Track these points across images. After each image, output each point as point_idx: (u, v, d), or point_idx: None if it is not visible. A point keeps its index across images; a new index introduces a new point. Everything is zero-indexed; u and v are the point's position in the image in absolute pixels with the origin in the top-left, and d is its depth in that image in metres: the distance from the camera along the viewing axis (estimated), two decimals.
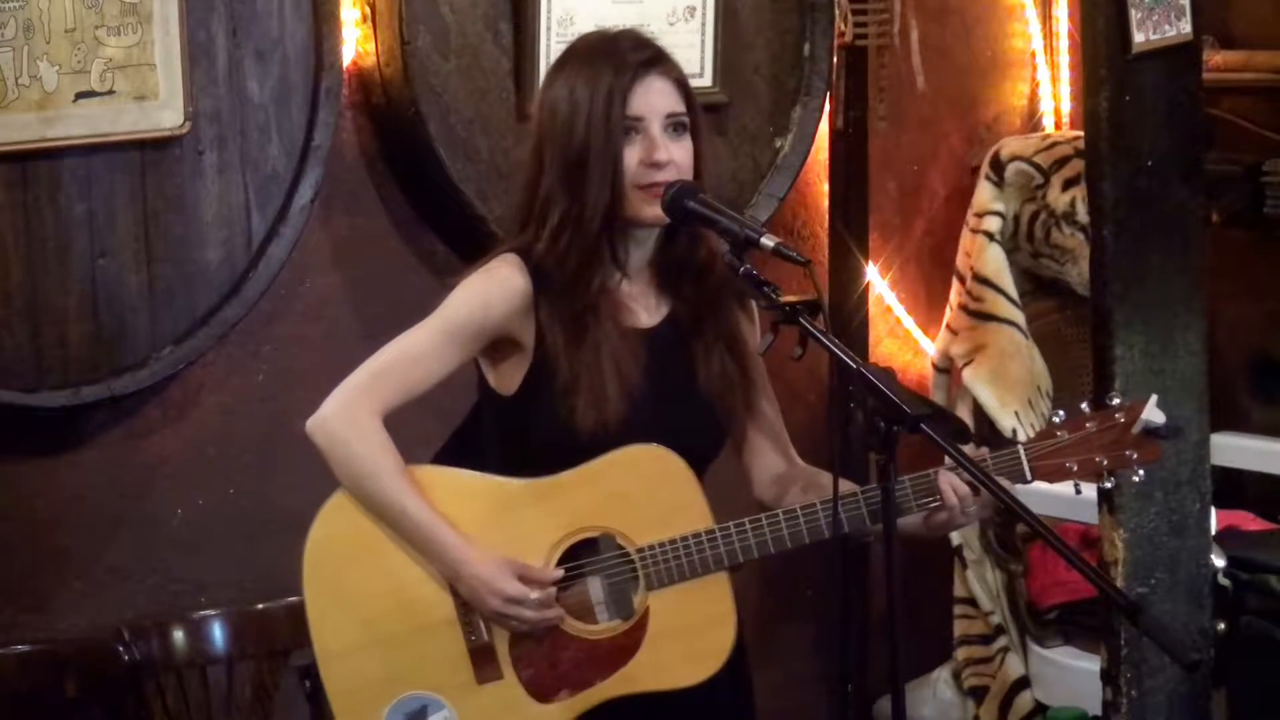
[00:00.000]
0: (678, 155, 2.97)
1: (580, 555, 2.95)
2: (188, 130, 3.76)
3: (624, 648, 2.94)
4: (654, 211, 2.95)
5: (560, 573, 2.93)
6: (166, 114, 3.73)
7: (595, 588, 2.95)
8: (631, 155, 2.95)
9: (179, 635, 3.68)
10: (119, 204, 3.72)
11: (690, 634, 2.94)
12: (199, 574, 3.94)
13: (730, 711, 3.09)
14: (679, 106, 3.00)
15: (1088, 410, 2.99)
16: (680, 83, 3.03)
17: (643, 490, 2.94)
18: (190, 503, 3.95)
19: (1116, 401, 3.00)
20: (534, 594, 2.90)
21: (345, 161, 4.07)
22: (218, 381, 3.96)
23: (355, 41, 4.05)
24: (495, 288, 2.99)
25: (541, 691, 2.94)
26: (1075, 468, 2.96)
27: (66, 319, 3.68)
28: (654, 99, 2.98)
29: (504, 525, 2.94)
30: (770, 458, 3.14)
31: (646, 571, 2.93)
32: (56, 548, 3.81)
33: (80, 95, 3.63)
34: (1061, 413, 2.99)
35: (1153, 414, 2.95)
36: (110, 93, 3.67)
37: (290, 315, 4.03)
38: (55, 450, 3.78)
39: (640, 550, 2.93)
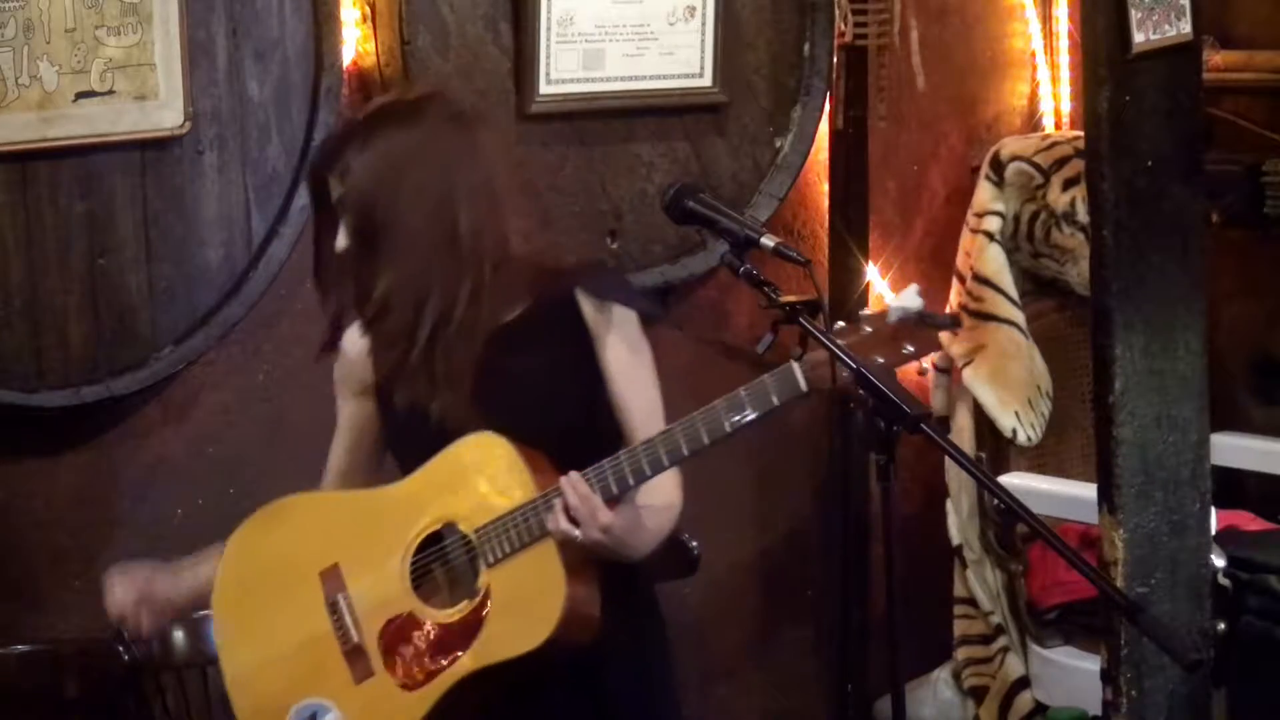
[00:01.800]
0: None
1: (430, 548, 3.08)
2: (188, 130, 3.76)
3: (471, 626, 3.04)
4: None
5: None
6: (166, 114, 3.73)
7: (443, 574, 3.08)
8: None
9: (179, 635, 3.68)
10: (119, 204, 3.72)
11: (525, 601, 3.02)
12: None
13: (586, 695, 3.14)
14: None
15: (865, 314, 2.96)
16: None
17: (474, 476, 3.05)
18: (190, 503, 3.95)
19: (888, 300, 2.95)
20: None
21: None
22: (218, 381, 3.96)
23: (355, 41, 4.05)
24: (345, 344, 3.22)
25: (408, 680, 3.07)
26: (848, 372, 2.89)
27: (66, 319, 3.68)
28: None
29: (364, 534, 3.13)
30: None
31: (484, 550, 3.02)
32: (56, 548, 3.81)
33: (80, 95, 3.64)
34: (842, 324, 2.94)
35: (907, 300, 2.90)
36: (110, 93, 3.67)
37: (290, 315, 4.03)
38: (55, 450, 3.78)
39: (476, 531, 3.03)
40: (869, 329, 2.89)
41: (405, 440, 3.16)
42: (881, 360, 2.86)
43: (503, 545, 3.01)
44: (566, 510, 2.96)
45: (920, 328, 2.90)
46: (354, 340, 3.19)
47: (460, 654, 3.03)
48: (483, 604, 3.03)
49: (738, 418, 2.95)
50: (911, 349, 2.89)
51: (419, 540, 3.08)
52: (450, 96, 3.26)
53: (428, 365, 3.08)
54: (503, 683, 3.04)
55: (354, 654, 3.10)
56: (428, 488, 3.09)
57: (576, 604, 2.99)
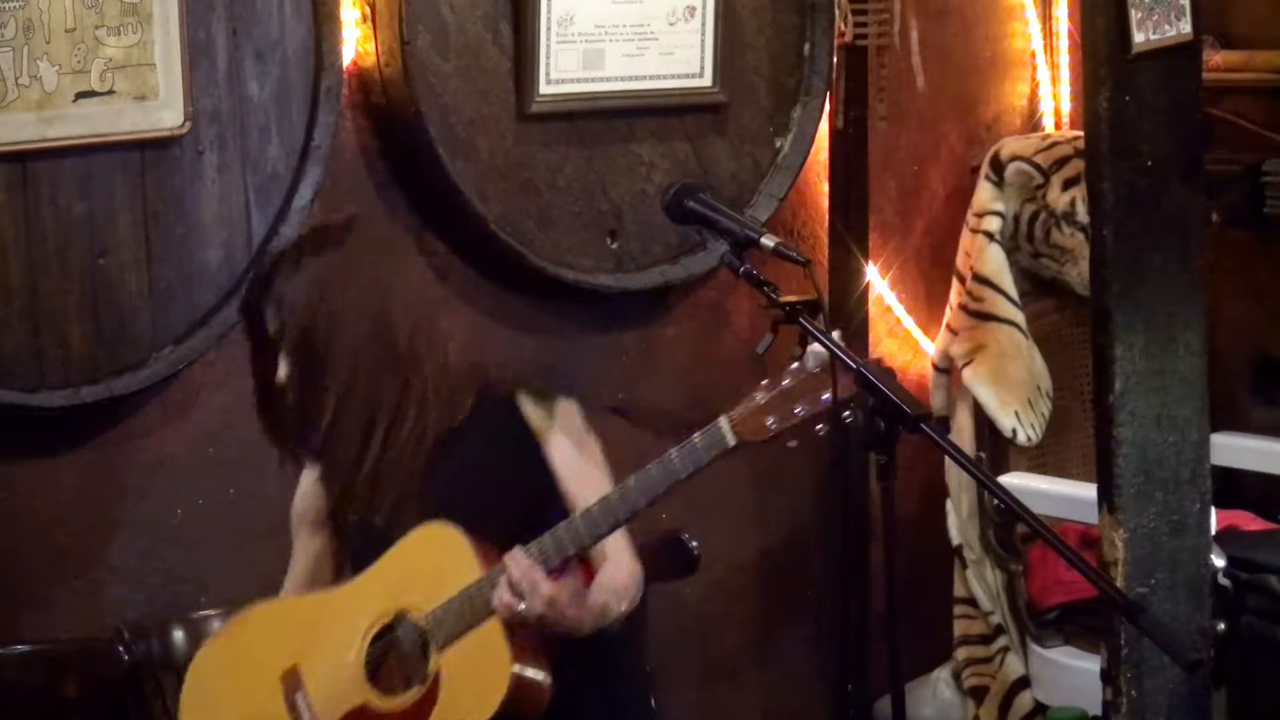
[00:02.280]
0: None
1: (384, 637, 3.16)
2: (188, 130, 3.76)
3: (424, 709, 3.10)
4: None
5: None
6: (166, 114, 3.73)
7: (396, 662, 3.14)
8: None
9: (179, 635, 3.68)
10: (119, 204, 3.72)
11: (472, 680, 3.07)
12: (199, 574, 3.94)
13: None
14: None
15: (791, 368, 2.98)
16: None
17: (424, 565, 3.13)
18: (190, 503, 3.95)
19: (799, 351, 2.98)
20: None
21: (345, 161, 4.07)
22: (218, 381, 3.96)
23: (355, 41, 4.05)
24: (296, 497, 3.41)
25: None
26: (776, 423, 2.94)
27: (66, 319, 3.68)
28: None
29: (324, 633, 3.20)
30: (593, 552, 3.22)
31: (434, 634, 3.09)
32: (56, 548, 3.81)
33: (80, 95, 3.63)
34: (767, 381, 2.99)
35: (812, 353, 2.92)
36: (110, 93, 3.67)
37: None
38: (55, 450, 3.78)
39: (426, 616, 3.10)
40: (788, 381, 2.93)
41: (362, 553, 3.23)
42: (803, 409, 2.91)
43: (451, 627, 3.07)
44: (510, 585, 3.01)
45: (845, 373, 2.90)
46: (307, 473, 3.32)
47: None
48: (434, 687, 3.08)
49: (670, 481, 3.00)
50: (831, 396, 2.91)
51: (374, 632, 3.15)
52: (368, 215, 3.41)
53: (376, 480, 3.17)
54: None
55: None
56: (381, 581, 3.16)
57: (523, 680, 3.04)
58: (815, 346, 2.90)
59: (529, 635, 3.06)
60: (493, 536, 3.11)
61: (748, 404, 2.95)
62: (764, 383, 2.95)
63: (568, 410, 3.24)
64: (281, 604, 3.36)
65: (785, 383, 2.93)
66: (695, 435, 2.98)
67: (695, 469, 2.98)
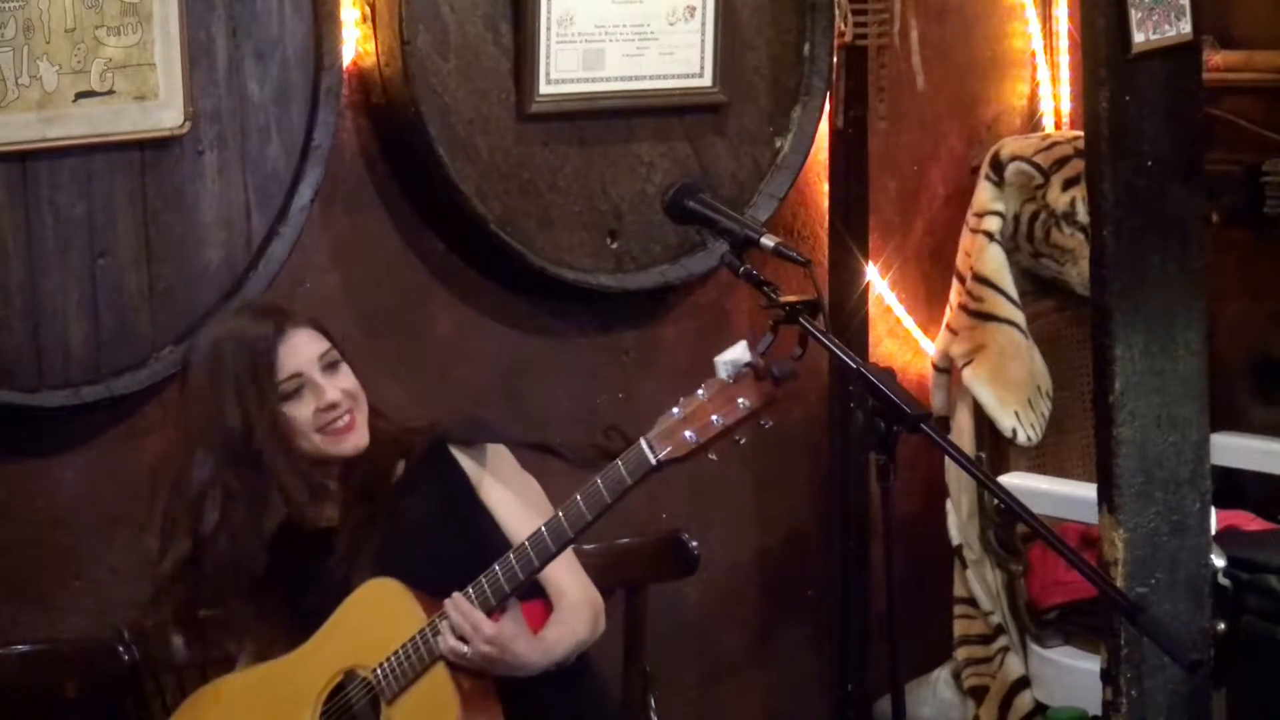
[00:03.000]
0: (347, 387, 3.19)
1: (337, 697, 3.17)
2: (188, 130, 3.76)
3: None
4: (347, 445, 3.19)
5: None
6: (166, 114, 3.73)
7: None
8: (305, 408, 3.16)
9: (179, 636, 3.67)
10: (119, 204, 3.72)
11: None
12: None
13: None
14: (325, 344, 3.21)
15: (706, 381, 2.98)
16: (314, 322, 3.24)
17: (368, 621, 3.15)
18: None
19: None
20: None
21: (345, 161, 4.07)
22: None
23: (355, 41, 4.05)
24: None
25: None
26: (695, 436, 2.93)
27: (66, 319, 3.68)
28: (302, 352, 3.17)
29: (275, 703, 3.21)
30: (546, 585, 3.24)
31: (382, 688, 3.11)
32: (56, 548, 3.81)
33: (80, 95, 3.63)
34: (683, 398, 2.98)
35: (736, 355, 2.90)
36: (110, 93, 3.67)
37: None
38: (55, 450, 3.78)
39: (374, 671, 3.12)
40: (703, 393, 2.92)
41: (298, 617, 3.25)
42: (719, 419, 2.89)
43: (398, 679, 3.09)
44: (453, 628, 3.03)
45: (759, 380, 2.90)
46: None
47: None
48: None
49: (598, 507, 3.01)
50: (747, 403, 2.90)
51: (324, 695, 3.16)
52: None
53: (326, 558, 3.20)
54: None
55: None
56: (328, 643, 3.18)
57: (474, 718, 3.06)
58: (726, 356, 2.91)
59: (476, 679, 3.08)
60: (446, 588, 3.11)
61: (665, 421, 2.95)
62: (681, 399, 2.96)
63: (497, 454, 3.29)
64: (237, 678, 3.35)
65: (700, 395, 2.93)
66: (618, 459, 2.99)
67: (622, 492, 2.99)
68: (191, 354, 3.31)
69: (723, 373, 2.89)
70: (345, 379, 3.22)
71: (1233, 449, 4.75)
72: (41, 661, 3.59)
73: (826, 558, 4.82)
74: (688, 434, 2.92)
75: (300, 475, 3.18)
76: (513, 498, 3.24)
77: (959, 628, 4.86)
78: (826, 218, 4.75)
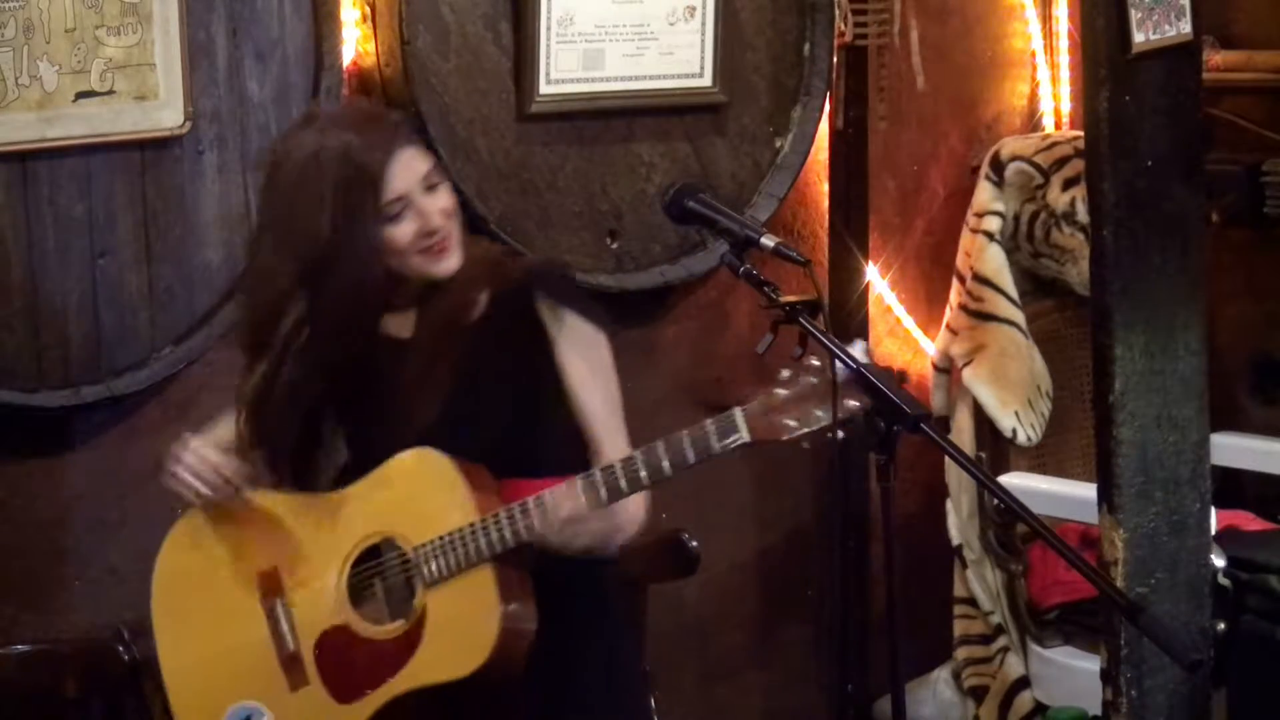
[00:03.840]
0: (446, 207, 3.06)
1: (369, 561, 3.09)
2: (188, 130, 3.76)
3: (407, 645, 3.05)
4: (442, 266, 3.06)
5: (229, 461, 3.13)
6: (166, 114, 3.73)
7: (381, 590, 3.09)
8: (406, 231, 3.02)
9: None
10: (119, 204, 3.72)
11: (459, 627, 3.02)
12: None
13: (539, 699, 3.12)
14: (427, 165, 3.07)
15: (809, 365, 2.93)
16: (418, 137, 3.11)
17: (415, 493, 3.06)
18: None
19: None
20: (190, 445, 3.15)
21: None
22: (218, 382, 3.95)
23: (355, 41, 4.05)
24: None
25: (342, 693, 3.09)
26: (794, 423, 2.90)
27: (66, 319, 3.68)
28: (410, 172, 3.03)
29: (300, 539, 3.13)
30: (593, 461, 3.15)
31: (421, 570, 3.03)
32: (56, 548, 3.81)
33: (80, 95, 3.63)
34: (787, 373, 2.93)
35: (856, 354, 2.87)
36: (110, 93, 3.67)
37: None
38: (55, 450, 3.78)
39: (416, 549, 3.03)
40: (814, 380, 2.87)
41: (367, 442, 3.14)
42: (822, 413, 2.86)
43: (440, 566, 3.02)
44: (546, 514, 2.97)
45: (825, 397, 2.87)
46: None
47: (395, 672, 3.05)
48: (419, 624, 3.04)
49: (678, 464, 2.94)
50: (854, 403, 2.85)
51: (357, 553, 3.09)
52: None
53: (401, 367, 3.09)
54: (439, 701, 3.04)
55: (290, 662, 3.12)
56: (368, 499, 3.10)
57: (511, 631, 3.01)
58: (855, 354, 2.86)
59: (520, 584, 3.01)
60: (494, 439, 3.05)
61: (767, 400, 2.90)
62: (783, 382, 2.90)
63: (574, 323, 3.14)
64: (265, 497, 3.19)
65: (811, 381, 2.88)
66: (709, 422, 2.93)
67: (706, 458, 2.93)
68: (280, 156, 3.09)
69: (841, 376, 2.86)
70: (444, 198, 3.06)
71: (1233, 449, 4.75)
72: (41, 661, 3.59)
73: (826, 558, 4.82)
74: (789, 420, 2.90)
75: (383, 295, 3.05)
76: (588, 372, 3.13)
77: (959, 628, 4.86)
78: (826, 218, 4.75)
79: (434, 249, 3.04)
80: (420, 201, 3.02)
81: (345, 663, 3.09)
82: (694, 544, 3.87)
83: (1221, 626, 4.15)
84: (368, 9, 4.04)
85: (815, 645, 4.87)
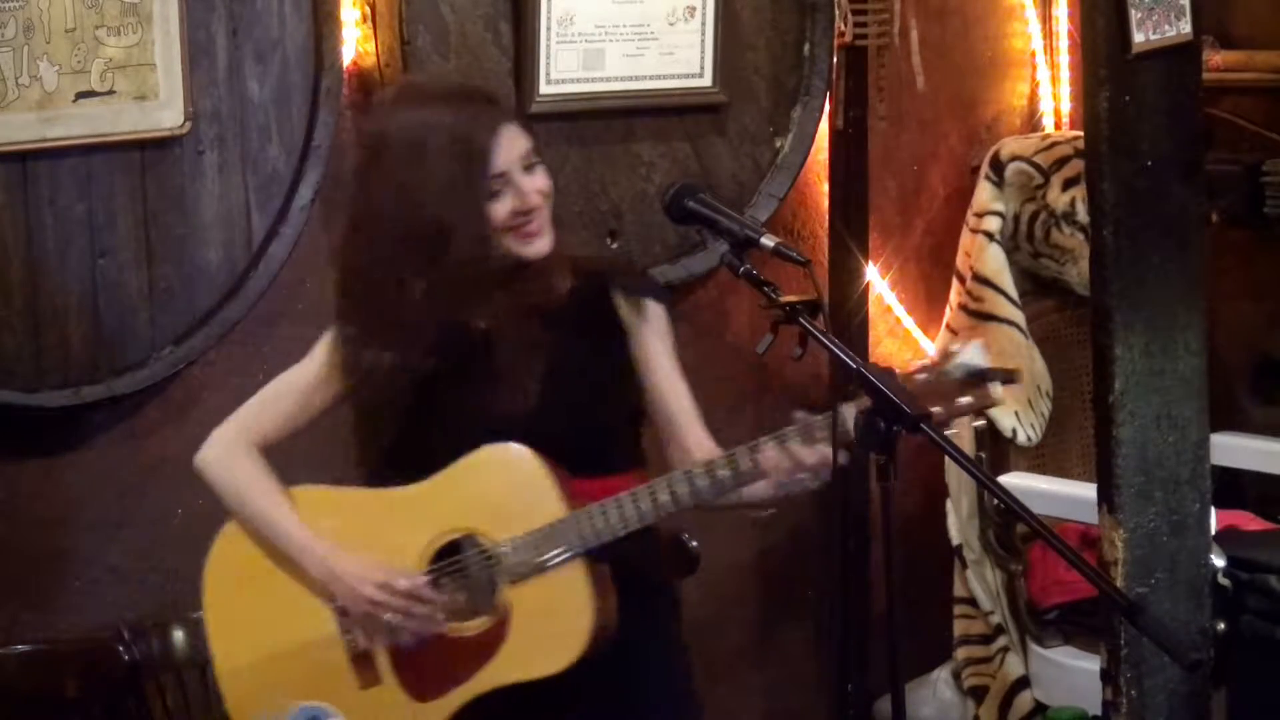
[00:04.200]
0: (542, 188, 3.03)
1: (447, 557, 3.04)
2: (188, 130, 3.76)
3: (490, 642, 3.01)
4: (534, 248, 3.02)
5: (421, 579, 3.02)
6: (166, 114, 3.73)
7: (462, 587, 3.03)
8: (503, 208, 2.99)
9: (179, 635, 3.68)
10: (119, 204, 3.72)
11: (549, 623, 2.99)
12: (199, 574, 3.93)
13: (606, 697, 3.10)
14: (528, 144, 3.04)
15: (925, 363, 2.94)
16: (522, 121, 3.07)
17: (497, 487, 3.01)
18: (190, 503, 3.94)
19: (952, 349, 2.94)
20: (402, 582, 2.99)
21: (345, 161, 4.07)
22: (218, 381, 3.96)
23: (355, 41, 4.05)
24: None
25: (419, 691, 3.04)
26: (941, 411, 2.88)
27: (66, 319, 3.68)
28: (513, 150, 3.00)
29: (374, 535, 3.07)
30: (675, 453, 3.16)
31: (505, 566, 2.99)
32: (56, 548, 3.81)
33: (80, 95, 3.64)
34: (897, 373, 2.92)
35: (972, 356, 2.89)
36: (110, 93, 3.67)
37: (290, 315, 4.03)
38: (55, 450, 3.78)
39: (499, 545, 3.00)
40: (924, 376, 2.88)
41: (440, 432, 3.06)
42: (938, 409, 2.84)
43: (529, 563, 2.98)
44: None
45: (978, 384, 2.89)
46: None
47: (477, 670, 3.00)
48: (503, 621, 3.00)
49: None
50: (969, 401, 2.89)
51: (436, 548, 3.03)
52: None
53: (475, 358, 3.04)
54: (520, 699, 3.00)
55: (361, 660, 3.06)
56: (446, 495, 3.04)
57: (602, 627, 2.98)
58: (962, 357, 2.87)
59: (606, 579, 2.99)
60: (569, 430, 3.02)
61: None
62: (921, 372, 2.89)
63: (657, 311, 3.12)
64: (333, 493, 3.15)
65: (922, 378, 2.88)
66: (814, 417, 2.93)
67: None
68: (379, 136, 3.05)
69: (956, 373, 2.88)
70: (541, 179, 3.03)
71: (1233, 449, 4.75)
72: (41, 661, 3.59)
73: (826, 558, 4.82)
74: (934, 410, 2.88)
75: (482, 275, 3.00)
76: (669, 358, 3.13)
77: (959, 628, 4.86)
78: (826, 218, 4.75)
79: (527, 230, 3.00)
80: (519, 180, 2.99)
81: (423, 660, 3.04)
82: (694, 544, 3.87)
83: (1221, 626, 4.15)
84: (368, 9, 4.04)
85: (815, 645, 4.87)
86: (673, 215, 2.98)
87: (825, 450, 2.88)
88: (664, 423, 3.14)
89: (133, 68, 3.68)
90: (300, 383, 3.17)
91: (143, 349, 3.77)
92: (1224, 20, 4.98)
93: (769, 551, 4.78)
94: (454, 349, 3.05)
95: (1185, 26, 3.99)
